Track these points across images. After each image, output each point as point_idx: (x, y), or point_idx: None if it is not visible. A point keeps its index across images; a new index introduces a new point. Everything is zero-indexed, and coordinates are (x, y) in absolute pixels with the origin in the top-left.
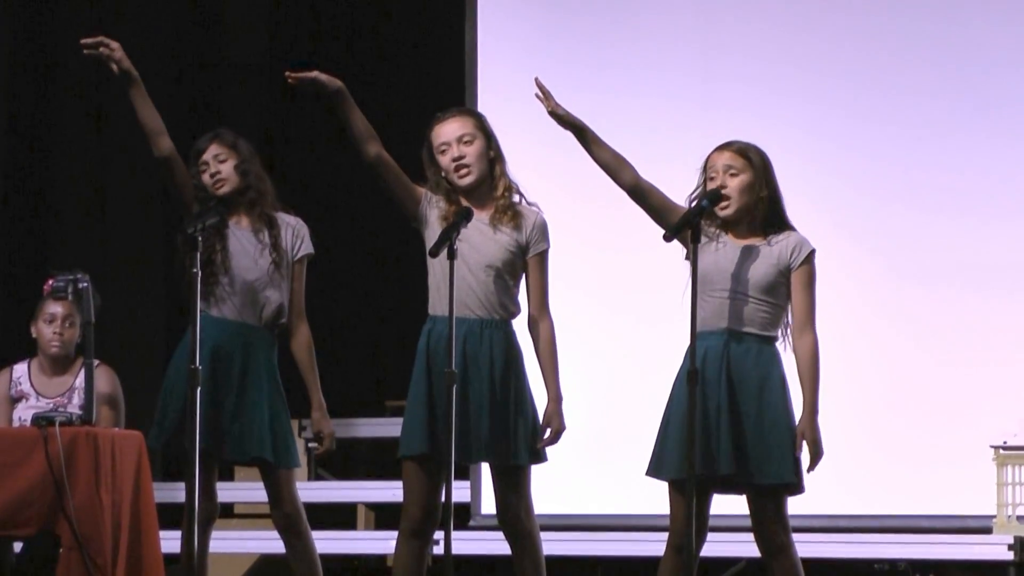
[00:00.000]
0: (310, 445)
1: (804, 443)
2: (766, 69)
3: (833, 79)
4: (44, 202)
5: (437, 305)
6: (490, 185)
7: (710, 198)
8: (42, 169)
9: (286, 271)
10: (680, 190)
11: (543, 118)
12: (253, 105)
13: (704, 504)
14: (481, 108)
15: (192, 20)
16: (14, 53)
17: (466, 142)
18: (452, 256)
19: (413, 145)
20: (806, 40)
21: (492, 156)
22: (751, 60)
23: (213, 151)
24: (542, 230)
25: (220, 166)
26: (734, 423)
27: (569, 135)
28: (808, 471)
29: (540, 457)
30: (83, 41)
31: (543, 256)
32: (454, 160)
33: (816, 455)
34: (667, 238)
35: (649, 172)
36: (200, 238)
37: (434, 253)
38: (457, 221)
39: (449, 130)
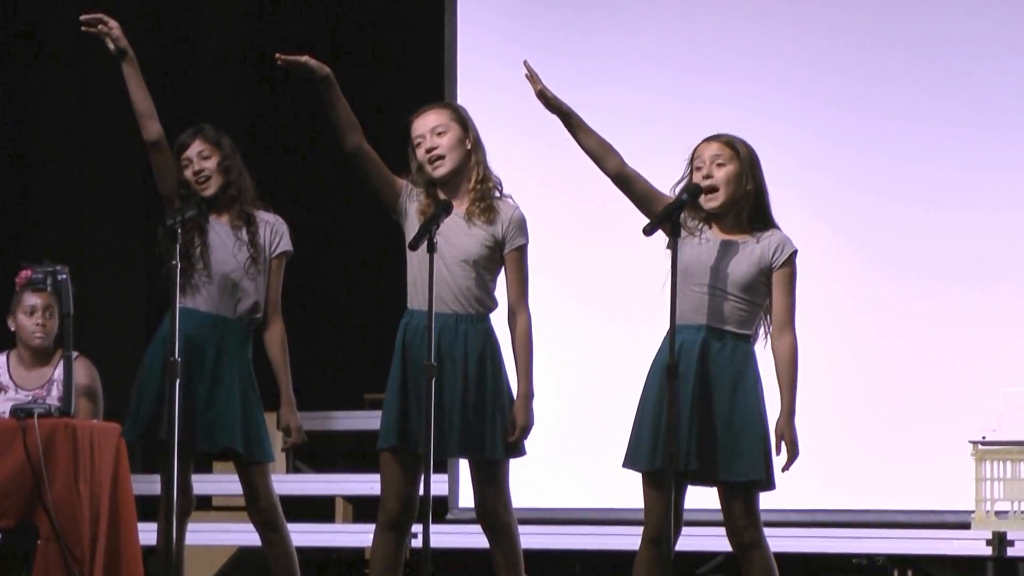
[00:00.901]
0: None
1: (782, 443)
2: (748, 59)
3: (818, 72)
4: (23, 193)
5: (414, 299)
6: (466, 177)
7: (691, 192)
8: (21, 160)
9: (263, 267)
10: (661, 180)
11: (523, 109)
12: (232, 96)
13: (678, 497)
14: (461, 100)
15: (171, 8)
16: None
17: (439, 133)
18: (432, 249)
19: (393, 137)
20: (790, 32)
21: (469, 147)
22: (733, 50)
23: (197, 147)
24: (518, 225)
25: (204, 163)
26: (703, 419)
27: (551, 125)
28: (783, 471)
29: (517, 451)
30: (82, 18)
31: (521, 251)
32: (428, 151)
33: (792, 455)
34: (647, 232)
35: (630, 162)
36: (180, 230)
37: (413, 246)
38: (436, 213)
39: (424, 122)
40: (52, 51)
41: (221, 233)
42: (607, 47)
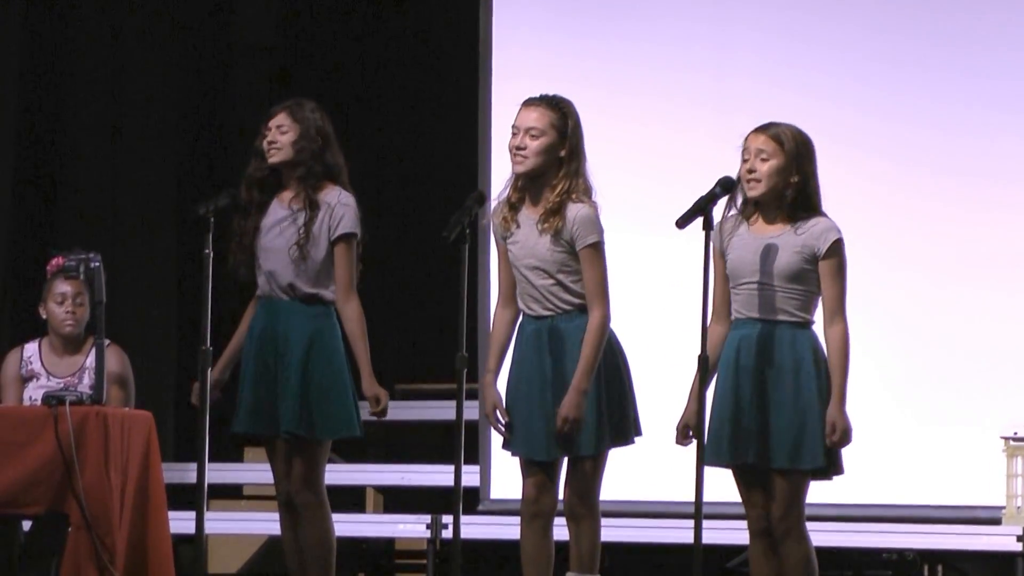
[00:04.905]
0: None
1: (837, 430)
2: (782, 43)
3: (855, 54)
4: (55, 181)
5: (520, 302)
6: (549, 184)
7: (723, 185)
8: (53, 149)
9: (320, 251)
10: (696, 160)
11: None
12: (262, 88)
13: (766, 487)
14: (495, 92)
15: (203, 1)
16: (28, 33)
17: (533, 135)
18: (464, 241)
19: (425, 130)
20: (824, 14)
21: (562, 156)
22: (766, 35)
23: (279, 120)
24: (584, 223)
25: (279, 136)
26: (763, 411)
27: (588, 116)
28: (829, 448)
29: (575, 448)
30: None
31: (593, 249)
32: (516, 147)
33: (840, 442)
34: (679, 224)
35: (666, 147)
36: (212, 220)
37: (447, 237)
38: (470, 204)
39: (525, 117)
40: (83, 33)
41: (279, 217)
42: (639, 33)
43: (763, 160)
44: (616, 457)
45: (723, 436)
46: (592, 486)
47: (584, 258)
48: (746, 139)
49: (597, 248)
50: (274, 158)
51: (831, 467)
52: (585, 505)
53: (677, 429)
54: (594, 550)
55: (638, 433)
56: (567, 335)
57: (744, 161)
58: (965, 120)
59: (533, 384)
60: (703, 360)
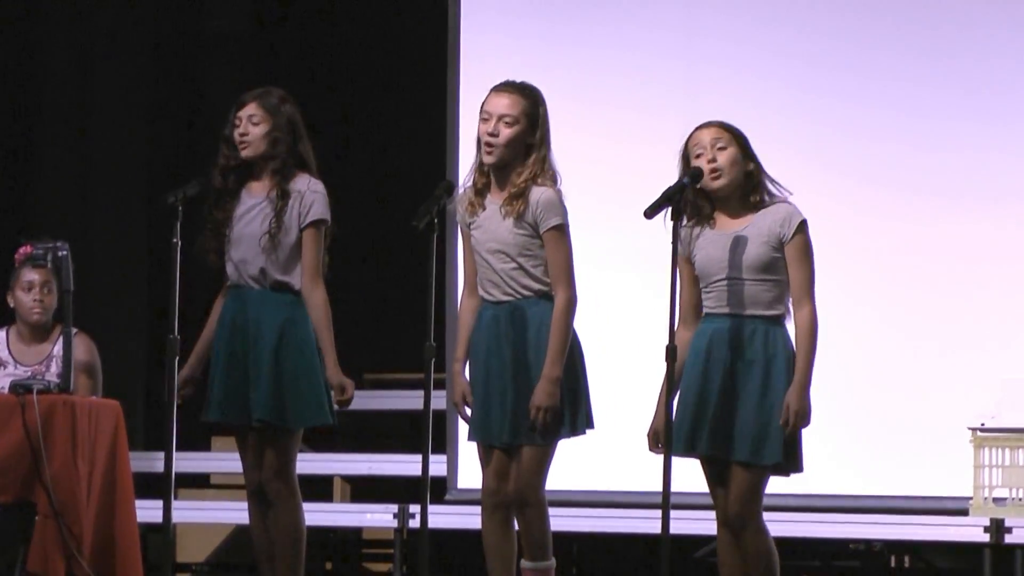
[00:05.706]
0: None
1: (791, 412)
2: (751, 48)
3: (818, 62)
4: (24, 168)
5: (480, 288)
6: (516, 171)
7: (692, 176)
8: (22, 135)
9: (290, 239)
10: (659, 167)
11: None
12: (233, 75)
13: (723, 478)
14: (463, 78)
15: None
16: None
17: (507, 123)
18: (433, 230)
19: (393, 119)
20: (792, 20)
21: (531, 143)
22: (735, 38)
23: (251, 110)
24: (547, 205)
25: (251, 128)
26: (729, 403)
27: (555, 110)
28: (785, 432)
29: (548, 436)
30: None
31: (556, 231)
32: (487, 134)
33: (795, 424)
34: (647, 215)
35: (631, 150)
36: (181, 208)
37: (416, 226)
38: (440, 194)
39: (496, 103)
40: (52, 19)
41: (251, 207)
42: (609, 30)
43: (721, 149)
44: (584, 447)
45: (685, 425)
46: (539, 475)
47: (548, 240)
48: (692, 136)
49: (561, 230)
50: (247, 152)
51: (790, 464)
52: (531, 494)
53: (648, 436)
54: (544, 537)
55: (590, 426)
56: (528, 320)
57: (698, 156)
58: (929, 132)
59: (491, 370)
60: (671, 351)
